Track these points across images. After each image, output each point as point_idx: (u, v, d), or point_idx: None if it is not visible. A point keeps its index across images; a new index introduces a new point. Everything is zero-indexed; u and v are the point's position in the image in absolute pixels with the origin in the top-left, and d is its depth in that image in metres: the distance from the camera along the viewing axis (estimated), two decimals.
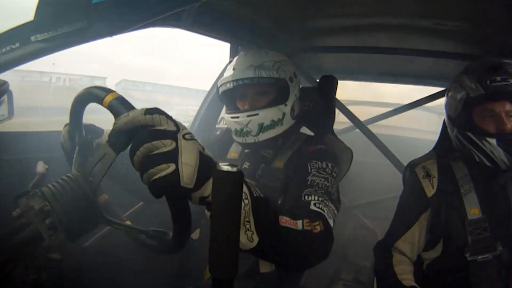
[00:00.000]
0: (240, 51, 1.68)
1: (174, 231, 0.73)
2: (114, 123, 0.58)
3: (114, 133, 0.61)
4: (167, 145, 0.56)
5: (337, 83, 1.42)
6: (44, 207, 0.68)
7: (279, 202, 1.12)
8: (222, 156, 1.32)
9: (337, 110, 1.82)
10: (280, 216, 0.73)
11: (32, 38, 0.73)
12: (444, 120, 1.32)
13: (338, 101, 1.86)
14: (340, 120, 2.51)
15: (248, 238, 0.63)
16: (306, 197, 0.94)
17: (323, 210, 0.89)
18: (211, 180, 0.58)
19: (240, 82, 1.16)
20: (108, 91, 0.70)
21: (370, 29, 1.44)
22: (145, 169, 0.56)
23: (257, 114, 1.14)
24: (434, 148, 1.36)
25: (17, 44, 0.73)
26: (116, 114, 0.66)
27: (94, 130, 0.99)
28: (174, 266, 1.20)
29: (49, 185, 0.72)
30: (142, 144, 0.56)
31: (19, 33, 0.75)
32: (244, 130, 1.15)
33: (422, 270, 1.24)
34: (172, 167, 0.56)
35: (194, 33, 1.29)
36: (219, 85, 1.23)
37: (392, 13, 1.25)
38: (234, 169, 0.49)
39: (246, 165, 1.24)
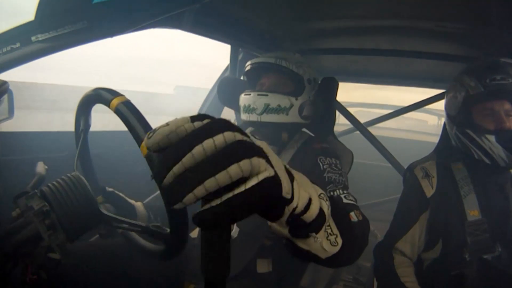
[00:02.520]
0: (241, 52, 1.68)
1: (171, 237, 0.74)
2: (148, 136, 0.37)
3: (150, 154, 0.46)
4: (241, 138, 0.38)
5: (337, 85, 1.42)
6: (43, 207, 0.68)
7: None
8: None
9: (337, 112, 1.82)
10: (350, 213, 0.72)
11: (33, 38, 0.73)
12: (444, 123, 1.32)
13: (339, 103, 1.86)
14: (341, 122, 2.52)
15: (331, 243, 0.53)
16: (333, 193, 0.94)
17: (355, 202, 0.89)
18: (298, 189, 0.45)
19: (261, 65, 1.26)
20: (115, 94, 0.71)
21: (371, 31, 1.44)
22: (213, 170, 0.35)
23: (266, 95, 1.20)
24: (434, 150, 1.36)
25: (18, 44, 0.74)
26: (123, 118, 0.67)
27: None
28: (174, 265, 1.20)
29: (49, 185, 0.72)
30: (203, 140, 0.36)
31: (20, 33, 0.75)
32: (251, 107, 1.21)
33: (422, 270, 1.24)
34: (270, 170, 0.39)
35: (195, 34, 1.29)
36: (247, 64, 1.31)
37: (393, 15, 1.25)
38: None
39: None
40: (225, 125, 0.37)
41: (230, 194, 0.36)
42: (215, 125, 0.37)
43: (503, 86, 1.07)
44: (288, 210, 0.44)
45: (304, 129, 1.34)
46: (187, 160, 0.34)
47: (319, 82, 1.34)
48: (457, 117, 1.18)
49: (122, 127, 0.71)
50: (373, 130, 1.95)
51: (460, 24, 1.24)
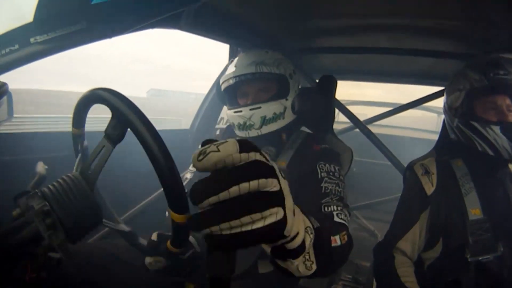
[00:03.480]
0: (240, 52, 1.68)
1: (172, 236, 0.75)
2: (199, 159, 0.40)
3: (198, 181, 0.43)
4: (272, 185, 0.42)
5: (336, 83, 1.42)
6: (43, 207, 0.68)
7: None
8: None
9: (337, 110, 1.82)
10: (332, 237, 0.74)
11: (32, 40, 0.74)
12: (444, 120, 1.32)
13: (338, 101, 1.86)
14: (340, 120, 2.52)
15: (307, 267, 0.58)
16: (327, 208, 0.96)
17: (345, 221, 0.92)
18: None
19: (242, 78, 1.20)
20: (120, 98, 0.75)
21: (370, 29, 1.44)
22: (239, 215, 0.40)
23: (260, 108, 1.18)
24: (434, 148, 1.36)
25: (17, 46, 0.74)
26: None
27: None
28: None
29: (49, 185, 0.73)
30: (240, 181, 0.40)
31: (19, 35, 0.75)
32: (247, 124, 1.19)
33: (423, 271, 1.23)
34: (280, 212, 0.43)
35: (194, 34, 1.29)
36: (221, 82, 1.26)
37: (392, 13, 1.25)
38: None
39: None
40: (262, 171, 0.41)
41: (238, 229, 0.40)
42: (254, 169, 0.41)
43: (506, 81, 1.09)
44: (289, 246, 0.49)
45: (302, 128, 1.34)
46: (223, 195, 0.39)
47: (317, 80, 1.34)
48: (460, 109, 1.18)
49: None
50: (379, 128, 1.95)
51: (459, 22, 1.24)
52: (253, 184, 0.40)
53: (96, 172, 0.76)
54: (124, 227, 0.92)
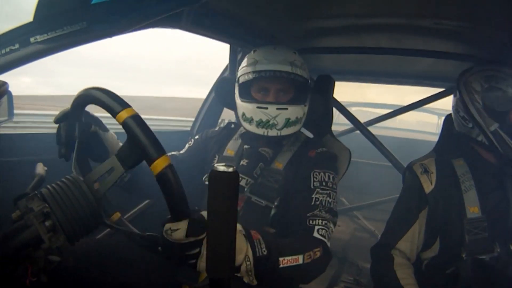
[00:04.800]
0: (240, 51, 1.68)
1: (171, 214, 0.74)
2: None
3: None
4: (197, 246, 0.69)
5: (334, 83, 1.41)
6: (43, 209, 0.67)
7: (276, 203, 1.14)
8: (219, 152, 1.32)
9: (337, 112, 1.82)
10: (280, 259, 0.86)
11: (32, 40, 0.73)
12: (444, 120, 1.32)
13: (337, 101, 1.86)
14: (340, 122, 2.52)
15: (249, 280, 0.79)
16: (311, 221, 1.04)
17: (325, 237, 1.02)
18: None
19: (277, 74, 1.18)
20: (124, 105, 0.68)
21: (369, 29, 1.44)
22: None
23: (287, 109, 1.16)
24: (434, 149, 1.36)
25: (17, 46, 0.73)
26: (130, 133, 0.66)
27: (92, 118, 0.97)
28: (173, 265, 1.20)
29: (49, 187, 0.72)
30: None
31: (19, 34, 0.74)
32: (271, 122, 1.16)
33: (421, 271, 1.23)
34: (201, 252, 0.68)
35: (194, 34, 1.29)
36: (243, 73, 1.23)
37: (391, 13, 1.25)
38: (230, 169, 0.49)
39: (244, 162, 1.24)
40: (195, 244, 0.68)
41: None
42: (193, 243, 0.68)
43: None
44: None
45: (302, 130, 1.34)
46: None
47: (315, 80, 1.34)
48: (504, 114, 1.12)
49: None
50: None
51: (458, 22, 1.24)
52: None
53: (100, 193, 0.73)
54: (129, 227, 0.90)
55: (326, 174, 1.14)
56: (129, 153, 0.70)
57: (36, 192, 0.71)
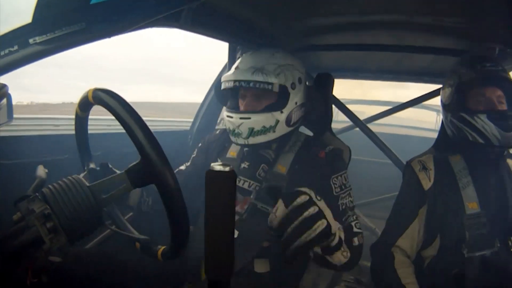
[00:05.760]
0: (239, 50, 1.68)
1: (172, 238, 0.74)
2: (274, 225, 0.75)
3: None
4: (314, 211, 0.74)
5: (333, 81, 1.41)
6: (44, 210, 0.67)
7: None
8: (221, 155, 1.32)
9: (336, 109, 1.82)
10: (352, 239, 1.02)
11: (31, 41, 0.73)
12: (442, 119, 1.32)
13: (337, 99, 1.85)
14: (340, 119, 2.52)
15: (344, 256, 0.91)
16: (347, 221, 1.10)
17: (360, 228, 1.09)
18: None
19: (237, 84, 1.16)
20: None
21: (369, 26, 1.44)
22: (302, 231, 0.72)
23: (249, 118, 1.14)
24: (433, 146, 1.37)
25: (16, 47, 0.73)
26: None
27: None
28: (173, 266, 1.20)
29: (50, 186, 0.72)
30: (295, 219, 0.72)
31: (18, 36, 0.74)
32: (236, 131, 1.16)
33: (422, 270, 1.23)
34: (324, 222, 0.74)
35: (193, 33, 1.28)
36: (222, 81, 1.23)
37: (391, 10, 1.25)
38: (227, 169, 0.49)
39: (245, 164, 1.24)
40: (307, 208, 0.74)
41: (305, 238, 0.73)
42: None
43: (493, 73, 1.13)
44: (328, 240, 0.80)
45: (301, 128, 1.33)
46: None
47: (314, 78, 1.33)
48: (451, 104, 1.20)
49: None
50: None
51: (457, 18, 1.24)
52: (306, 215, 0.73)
53: (106, 202, 0.75)
54: (133, 232, 0.90)
55: (342, 176, 1.17)
56: (139, 174, 0.73)
57: (37, 193, 0.71)
